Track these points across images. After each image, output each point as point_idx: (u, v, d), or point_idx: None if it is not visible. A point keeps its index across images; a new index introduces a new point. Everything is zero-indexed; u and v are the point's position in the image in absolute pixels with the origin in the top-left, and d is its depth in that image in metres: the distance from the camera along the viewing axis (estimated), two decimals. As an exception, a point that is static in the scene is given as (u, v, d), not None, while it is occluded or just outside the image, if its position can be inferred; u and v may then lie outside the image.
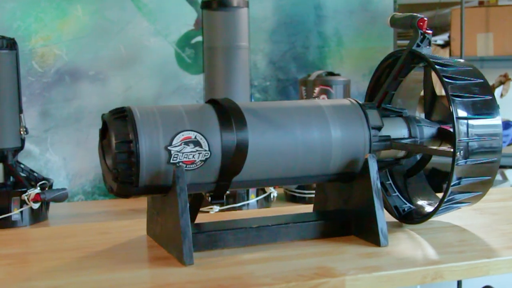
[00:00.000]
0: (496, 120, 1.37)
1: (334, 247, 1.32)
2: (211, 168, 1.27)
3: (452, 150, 1.32)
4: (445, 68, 1.38)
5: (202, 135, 1.25)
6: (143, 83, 2.77)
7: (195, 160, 1.25)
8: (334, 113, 1.36)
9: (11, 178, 2.27)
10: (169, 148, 1.23)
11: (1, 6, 2.56)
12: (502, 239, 1.36)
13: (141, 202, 2.61)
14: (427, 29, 1.44)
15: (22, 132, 2.28)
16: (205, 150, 1.25)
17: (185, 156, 1.24)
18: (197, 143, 1.25)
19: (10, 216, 2.19)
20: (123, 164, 1.22)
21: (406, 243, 1.34)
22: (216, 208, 2.39)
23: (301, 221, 1.38)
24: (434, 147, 1.41)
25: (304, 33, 2.88)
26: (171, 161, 1.24)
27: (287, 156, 1.31)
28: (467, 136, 1.32)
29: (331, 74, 2.60)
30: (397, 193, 1.49)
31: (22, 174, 2.31)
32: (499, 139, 1.37)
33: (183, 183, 1.22)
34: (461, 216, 1.53)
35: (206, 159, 1.26)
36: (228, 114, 1.28)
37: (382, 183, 1.49)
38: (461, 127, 1.32)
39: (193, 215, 1.43)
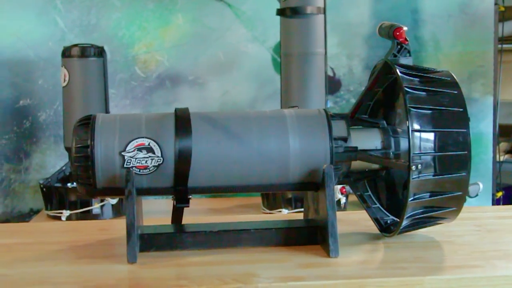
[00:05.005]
0: (463, 134, 1.31)
1: (286, 255, 1.34)
2: (165, 174, 1.34)
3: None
4: (412, 78, 1.35)
5: (156, 142, 1.33)
6: (240, 88, 2.88)
7: (148, 166, 1.33)
8: (296, 123, 1.38)
9: (96, 175, 2.48)
10: (122, 153, 1.33)
11: (107, 17, 2.79)
12: (463, 258, 1.31)
13: (219, 202, 2.75)
14: (406, 39, 1.41)
15: (108, 133, 2.47)
16: (158, 156, 1.33)
17: (138, 161, 1.33)
18: (150, 150, 1.33)
19: (91, 209, 2.39)
20: (81, 167, 1.34)
21: (359, 256, 1.33)
22: (285, 211, 2.45)
23: (263, 228, 1.41)
24: (392, 160, 1.38)
25: (401, 37, 2.83)
26: (125, 165, 1.33)
27: (241, 165, 1.36)
28: (420, 150, 1.29)
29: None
30: (378, 205, 1.47)
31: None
32: (467, 153, 1.31)
33: (131, 186, 1.31)
34: (451, 232, 1.47)
35: (159, 164, 1.33)
36: (180, 122, 1.35)
37: (360, 195, 1.47)
38: (416, 140, 1.29)
39: (178, 216, 1.50)
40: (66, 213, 2.40)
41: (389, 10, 2.83)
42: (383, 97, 1.48)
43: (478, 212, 1.68)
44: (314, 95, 2.45)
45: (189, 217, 1.52)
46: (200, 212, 2.57)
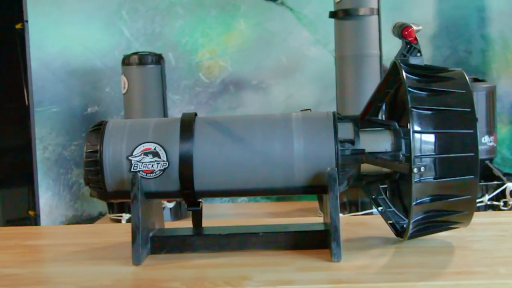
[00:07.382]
0: (470, 135, 1.27)
1: (290, 259, 1.33)
2: (171, 178, 1.37)
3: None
4: (418, 78, 1.32)
5: (161, 146, 1.36)
6: (303, 91, 2.88)
7: (154, 170, 1.36)
8: (301, 125, 1.37)
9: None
10: (130, 158, 1.36)
11: (171, 24, 2.86)
12: (469, 264, 1.26)
13: (279, 206, 2.75)
14: (415, 38, 1.38)
15: (166, 138, 2.53)
16: (163, 161, 1.36)
17: (144, 165, 1.36)
18: (155, 154, 1.36)
19: (149, 213, 2.45)
20: (91, 171, 1.38)
21: (362, 261, 1.30)
22: (340, 214, 2.42)
23: (272, 231, 1.41)
24: (395, 162, 1.34)
25: (467, 36, 2.75)
26: (132, 169, 1.36)
27: (246, 168, 1.36)
28: (421, 152, 1.25)
29: (476, 80, 2.46)
30: (393, 209, 1.44)
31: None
32: (474, 155, 1.26)
33: (136, 189, 1.34)
34: (471, 236, 1.42)
35: (165, 168, 1.36)
36: (183, 127, 1.37)
37: (374, 199, 1.44)
38: (417, 142, 1.25)
39: (197, 219, 1.52)
40: (126, 216, 2.48)
41: (454, 9, 2.75)
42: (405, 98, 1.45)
43: (512, 217, 1.61)
44: (369, 97, 2.41)
45: (211, 221, 1.55)
46: (258, 216, 2.60)
